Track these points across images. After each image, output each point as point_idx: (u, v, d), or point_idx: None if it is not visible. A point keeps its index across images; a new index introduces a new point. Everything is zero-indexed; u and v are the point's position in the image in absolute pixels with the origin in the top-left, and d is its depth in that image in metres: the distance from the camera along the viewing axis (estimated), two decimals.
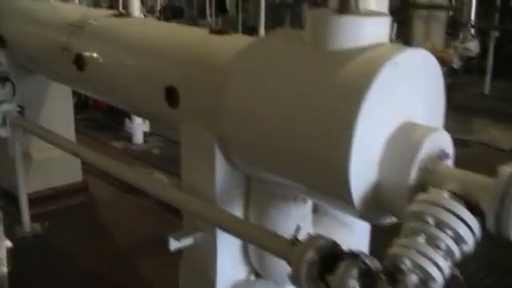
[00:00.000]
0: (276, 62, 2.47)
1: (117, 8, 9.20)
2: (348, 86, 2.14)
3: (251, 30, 11.05)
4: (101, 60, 3.66)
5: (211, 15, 12.42)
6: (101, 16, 3.94)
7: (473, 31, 7.03)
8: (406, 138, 2.19)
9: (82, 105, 7.81)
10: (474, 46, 7.04)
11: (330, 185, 2.25)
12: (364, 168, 2.15)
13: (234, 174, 2.82)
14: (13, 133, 4.71)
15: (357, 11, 2.37)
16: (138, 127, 7.08)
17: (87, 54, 3.72)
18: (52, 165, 5.47)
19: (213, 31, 3.14)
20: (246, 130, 2.52)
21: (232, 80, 2.58)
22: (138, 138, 7.21)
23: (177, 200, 2.97)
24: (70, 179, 5.69)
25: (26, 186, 4.96)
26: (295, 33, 2.76)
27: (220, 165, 2.78)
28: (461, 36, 7.46)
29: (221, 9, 12.83)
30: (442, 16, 8.32)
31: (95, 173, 5.59)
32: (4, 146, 4.99)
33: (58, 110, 5.51)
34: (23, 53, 4.86)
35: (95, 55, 3.70)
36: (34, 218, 5.07)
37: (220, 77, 2.68)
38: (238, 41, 2.95)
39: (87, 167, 5.52)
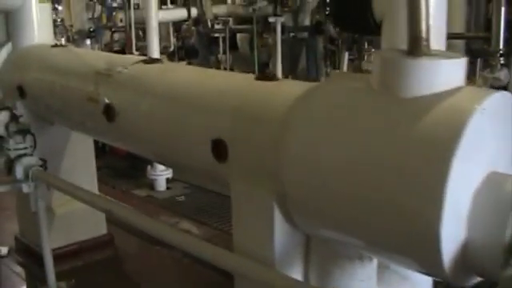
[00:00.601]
0: (342, 112, 2.23)
1: (128, 51, 9.04)
2: (433, 140, 1.91)
3: (264, 67, 10.85)
4: (134, 110, 3.41)
5: (224, 52, 12.24)
6: (129, 62, 3.70)
7: (502, 60, 6.76)
8: (496, 190, 1.97)
9: (99, 152, 7.53)
10: (504, 76, 6.78)
11: (415, 245, 2.01)
12: (454, 225, 1.92)
13: (294, 233, 2.57)
14: (35, 188, 4.46)
15: (429, 52, 2.13)
16: (161, 174, 6.79)
17: (118, 104, 3.49)
18: (75, 219, 5.20)
19: (259, 77, 2.90)
20: (313, 188, 2.26)
21: (291, 133, 2.33)
22: (161, 185, 6.92)
23: (231, 264, 2.69)
24: (95, 232, 5.42)
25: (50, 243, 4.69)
26: (357, 77, 2.53)
27: (279, 225, 2.52)
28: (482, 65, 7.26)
29: (231, 46, 12.66)
30: (459, 44, 8.11)
31: (120, 223, 5.32)
32: (24, 201, 4.76)
33: (79, 160, 5.27)
34: (44, 103, 4.64)
35: (127, 105, 3.46)
36: (58, 276, 4.77)
37: (276, 129, 2.44)
38: (289, 87, 2.72)
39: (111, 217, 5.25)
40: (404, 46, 2.20)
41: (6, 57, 5.13)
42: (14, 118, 4.67)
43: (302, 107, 2.36)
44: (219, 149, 2.72)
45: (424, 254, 2.00)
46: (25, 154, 4.56)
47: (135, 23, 8.85)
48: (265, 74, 2.93)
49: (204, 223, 5.91)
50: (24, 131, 4.61)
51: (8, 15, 5.16)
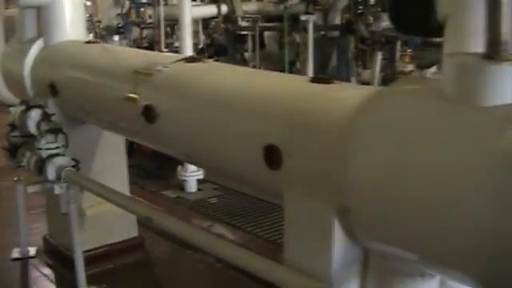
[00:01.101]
0: (416, 121, 2.04)
1: (157, 48, 8.88)
2: None
3: (291, 65, 10.67)
4: (176, 112, 3.24)
5: (253, 50, 12.06)
6: (169, 61, 3.53)
7: None
8: None
9: (126, 151, 7.39)
10: None
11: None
12: None
13: (353, 248, 2.38)
14: (67, 190, 4.31)
15: (509, 57, 1.94)
16: (192, 175, 6.60)
17: (159, 105, 3.31)
18: (106, 220, 5.04)
19: (314, 79, 2.72)
20: (380, 202, 2.07)
21: (357, 143, 2.15)
22: (192, 187, 6.72)
23: (283, 278, 2.52)
24: (126, 235, 5.26)
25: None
26: (425, 82, 2.34)
27: (338, 239, 2.34)
28: None
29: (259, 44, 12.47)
30: None
31: (152, 226, 5.17)
32: (54, 202, 4.64)
33: (111, 160, 5.12)
34: (76, 102, 4.49)
35: (169, 107, 3.29)
36: (89, 280, 4.64)
37: (339, 136, 2.25)
38: (347, 91, 2.54)
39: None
40: (470, 49, 2.05)
41: (37, 53, 4.98)
42: (45, 116, 4.53)
43: (370, 115, 2.17)
44: (272, 156, 2.54)
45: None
46: (57, 154, 4.42)
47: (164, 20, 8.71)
48: (320, 77, 2.73)
49: (237, 227, 5.73)
50: (56, 130, 4.47)
51: (39, 10, 5.02)
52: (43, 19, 5.00)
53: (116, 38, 9.17)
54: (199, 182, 6.81)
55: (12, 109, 4.79)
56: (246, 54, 12.86)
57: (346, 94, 2.49)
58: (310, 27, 8.79)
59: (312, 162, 2.40)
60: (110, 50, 4.60)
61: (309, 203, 2.39)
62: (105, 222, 5.06)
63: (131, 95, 3.53)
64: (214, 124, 2.94)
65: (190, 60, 3.53)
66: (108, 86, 3.92)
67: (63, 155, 4.42)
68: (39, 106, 4.57)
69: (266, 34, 12.00)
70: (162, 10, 8.62)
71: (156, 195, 6.63)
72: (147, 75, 3.49)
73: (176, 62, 3.51)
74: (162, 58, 3.81)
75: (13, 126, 4.91)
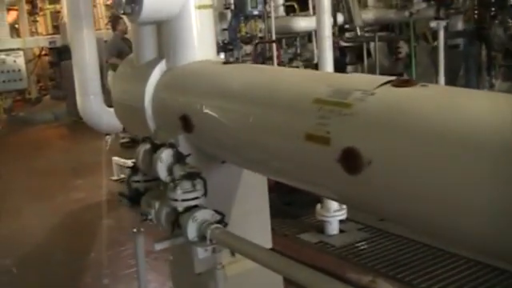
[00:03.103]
0: None
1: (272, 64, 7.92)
2: None
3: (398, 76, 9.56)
4: (396, 161, 2.22)
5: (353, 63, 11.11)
6: (370, 86, 2.52)
7: None
8: None
9: None
10: None
11: None
12: None
13: None
14: (214, 253, 3.36)
15: None
16: (334, 215, 5.54)
17: (367, 148, 2.31)
18: (249, 280, 4.07)
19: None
20: None
21: None
22: (334, 229, 5.64)
23: None
24: None
25: None
26: None
27: None
28: None
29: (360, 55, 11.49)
30: None
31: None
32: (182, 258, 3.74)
33: (253, 207, 4.18)
34: (218, 139, 3.54)
35: (383, 152, 2.28)
36: None
37: None
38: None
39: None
40: None
41: (160, 78, 4.07)
42: (179, 157, 3.60)
43: None
44: None
45: None
46: (195, 206, 3.48)
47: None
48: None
49: (407, 282, 4.64)
50: (193, 175, 3.53)
51: (160, 27, 4.11)
52: (165, 36, 4.09)
53: (222, 55, 8.23)
54: (340, 221, 5.72)
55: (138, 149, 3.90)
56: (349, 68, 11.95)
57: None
58: (441, 35, 7.68)
59: None
60: (262, 71, 3.64)
61: None
62: (248, 283, 4.09)
63: (318, 134, 2.54)
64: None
65: (397, 83, 2.50)
66: (272, 119, 2.94)
67: (204, 208, 3.47)
68: (170, 145, 3.65)
69: (372, 44, 10.96)
70: (273, 22, 7.65)
71: (293, 240, 5.59)
72: (341, 106, 2.50)
73: (380, 86, 2.50)
74: (355, 81, 2.79)
75: (134, 168, 4.03)
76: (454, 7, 8.34)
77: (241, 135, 3.25)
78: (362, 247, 5.31)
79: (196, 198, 3.49)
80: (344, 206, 5.50)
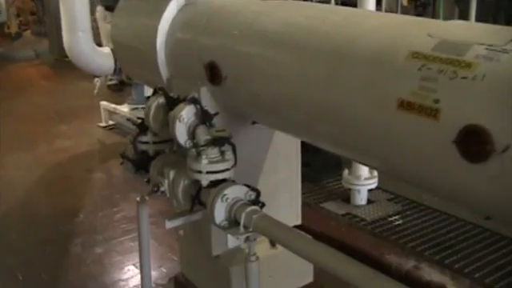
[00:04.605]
0: None
1: None
2: None
3: None
4: None
5: None
6: (505, 40, 1.75)
7: None
8: None
9: None
10: None
11: None
12: None
13: None
14: (249, 240, 2.62)
15: None
16: (364, 183, 4.79)
17: (499, 130, 1.57)
18: (278, 264, 3.41)
19: None
20: None
21: None
22: (362, 198, 4.88)
23: None
24: (300, 281, 3.63)
25: None
26: None
27: None
28: None
29: None
30: None
31: None
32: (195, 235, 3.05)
33: (285, 175, 3.46)
34: (255, 95, 2.76)
35: None
36: None
37: None
38: None
39: None
40: None
41: (177, 14, 3.27)
42: (205, 117, 2.83)
43: None
44: None
45: None
46: (224, 180, 2.73)
47: None
48: None
49: (455, 270, 3.91)
50: (222, 140, 2.76)
51: None
52: None
53: None
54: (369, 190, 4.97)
55: (147, 101, 3.12)
56: None
57: None
58: None
59: None
60: (316, 8, 2.84)
61: None
62: (276, 267, 3.41)
63: (421, 102, 1.77)
64: None
65: None
66: (341, 76, 2.17)
67: (233, 182, 2.72)
68: (193, 100, 2.86)
69: None
70: None
71: (316, 211, 4.83)
72: (457, 65, 1.73)
73: None
74: (456, 30, 2.01)
75: (142, 127, 3.25)
76: None
77: (290, 91, 2.47)
78: (397, 222, 4.58)
79: (226, 169, 2.74)
80: (375, 174, 4.74)
